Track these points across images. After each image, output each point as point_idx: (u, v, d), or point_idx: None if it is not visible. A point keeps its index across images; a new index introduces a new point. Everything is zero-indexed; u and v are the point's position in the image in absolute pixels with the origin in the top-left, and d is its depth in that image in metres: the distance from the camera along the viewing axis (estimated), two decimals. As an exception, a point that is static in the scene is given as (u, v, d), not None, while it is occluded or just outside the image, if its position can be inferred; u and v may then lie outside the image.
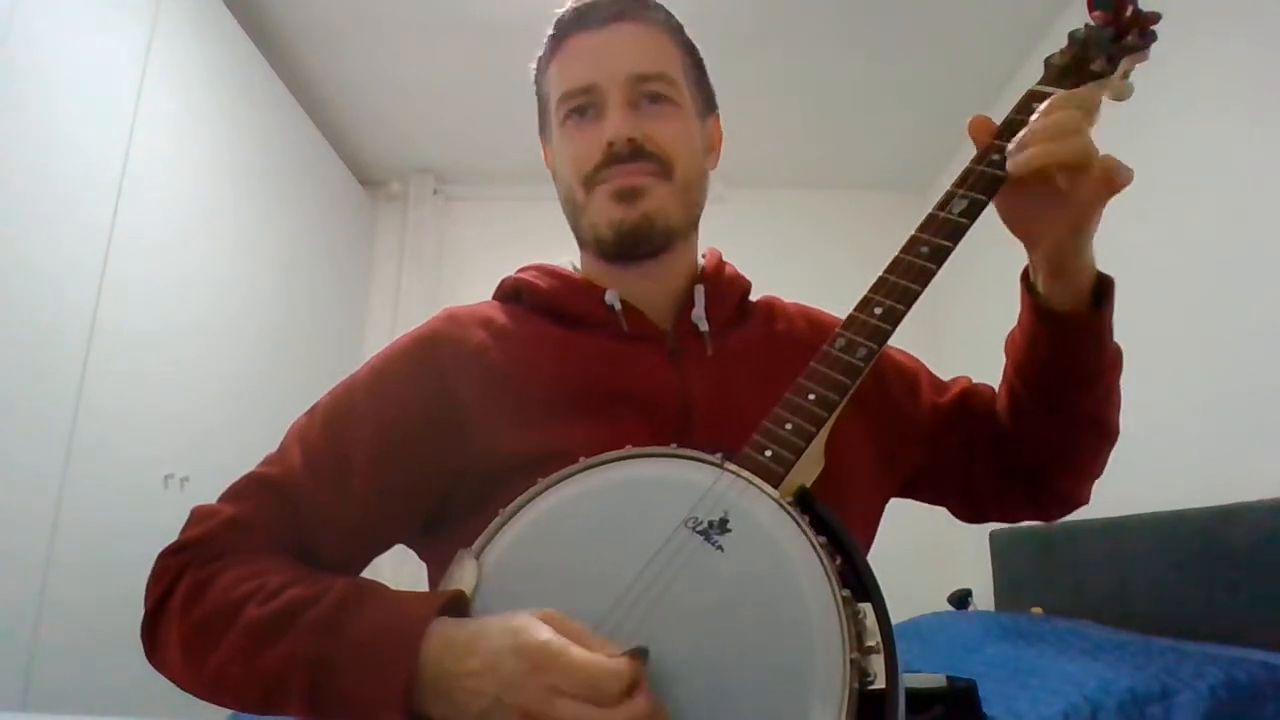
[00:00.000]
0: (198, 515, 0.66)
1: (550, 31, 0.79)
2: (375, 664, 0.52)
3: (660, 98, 0.75)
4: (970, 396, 0.82)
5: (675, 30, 0.80)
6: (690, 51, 0.81)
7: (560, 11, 0.78)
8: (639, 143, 0.72)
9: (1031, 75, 0.70)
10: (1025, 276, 0.72)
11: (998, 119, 0.68)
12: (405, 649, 0.51)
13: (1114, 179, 0.61)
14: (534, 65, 0.82)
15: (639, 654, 0.48)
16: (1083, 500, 0.81)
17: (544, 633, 0.49)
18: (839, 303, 0.81)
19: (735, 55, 2.63)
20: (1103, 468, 0.79)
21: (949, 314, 3.08)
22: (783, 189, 3.54)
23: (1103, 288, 0.69)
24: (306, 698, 0.54)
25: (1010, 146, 0.63)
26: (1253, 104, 1.74)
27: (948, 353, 3.01)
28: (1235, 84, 1.80)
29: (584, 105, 0.75)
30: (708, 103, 0.82)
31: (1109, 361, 0.72)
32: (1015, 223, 0.69)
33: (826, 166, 3.50)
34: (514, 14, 2.52)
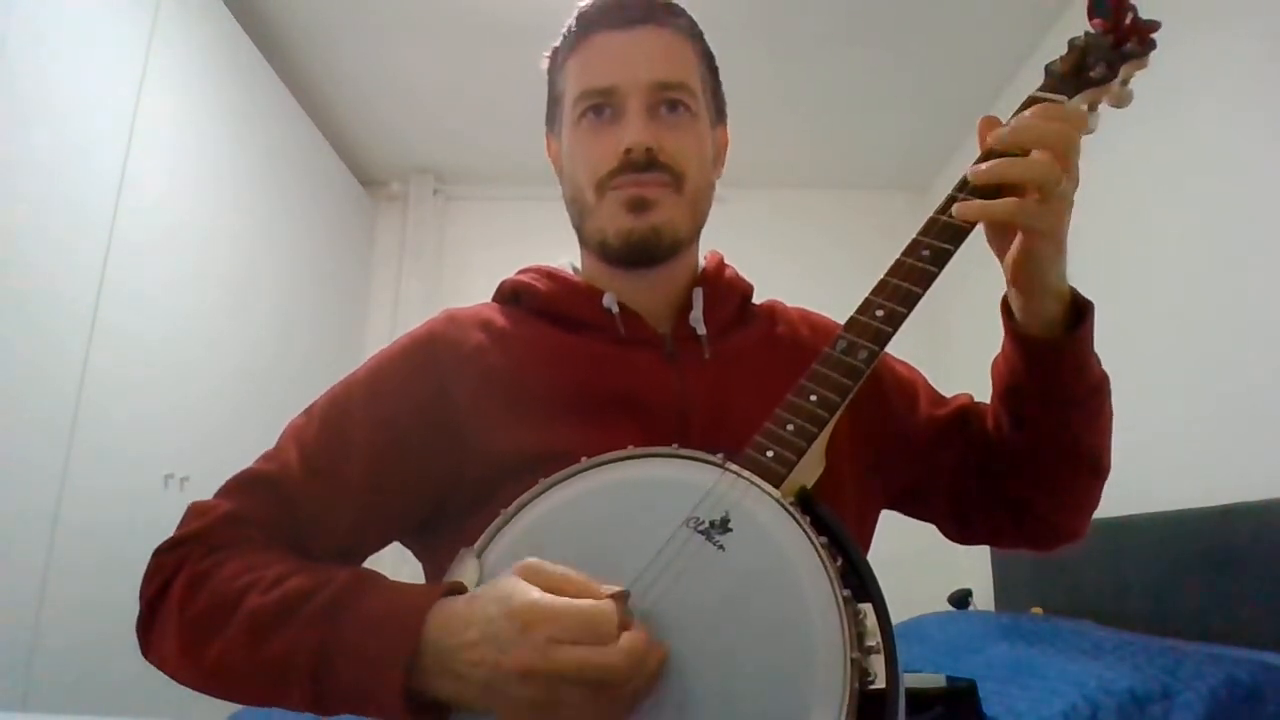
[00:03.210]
0: (194, 511, 0.66)
1: (572, 24, 0.77)
2: (375, 649, 0.52)
3: (678, 106, 0.74)
4: (968, 414, 0.80)
5: (697, 38, 0.79)
6: (708, 59, 0.80)
7: (583, 4, 0.77)
8: (654, 153, 0.72)
9: (1032, 75, 0.70)
10: (1005, 301, 0.71)
11: (1000, 118, 0.68)
12: (406, 632, 0.52)
13: (1013, 220, 0.63)
14: (548, 54, 0.81)
15: (621, 596, 0.50)
16: (1076, 534, 0.78)
17: (532, 592, 0.50)
18: (839, 303, 0.81)
19: (735, 55, 2.62)
20: (1093, 503, 0.77)
21: (950, 319, 3.08)
22: (783, 189, 3.54)
23: (1081, 312, 0.68)
24: (309, 687, 0.54)
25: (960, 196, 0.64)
26: (1255, 102, 1.74)
27: (949, 358, 3.01)
28: (1237, 82, 1.80)
29: (602, 106, 0.74)
30: (719, 112, 0.82)
31: (1090, 387, 0.70)
32: (995, 239, 0.69)
33: (826, 166, 3.50)
34: (515, 14, 2.52)
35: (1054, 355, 0.68)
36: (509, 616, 0.49)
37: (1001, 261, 0.68)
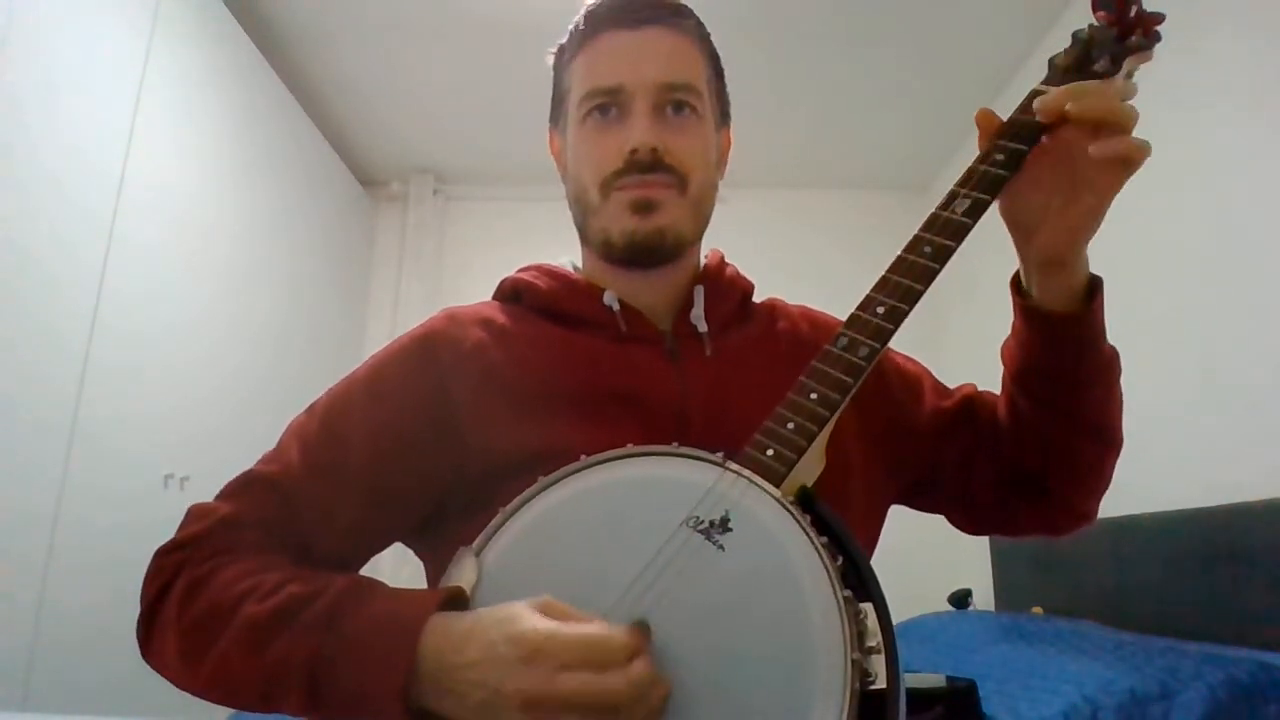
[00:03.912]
0: (194, 513, 0.66)
1: (579, 21, 0.77)
2: (373, 659, 0.52)
3: (684, 108, 0.74)
4: (974, 403, 0.81)
5: (703, 40, 0.79)
6: (714, 61, 0.81)
7: (591, 2, 0.77)
8: (660, 154, 0.72)
9: (1033, 75, 0.70)
10: (1014, 282, 0.72)
11: (1001, 116, 0.68)
12: (403, 643, 0.51)
13: (1134, 155, 0.62)
14: (554, 50, 0.81)
15: (641, 627, 0.49)
16: (1089, 516, 0.79)
17: (536, 620, 0.49)
18: (839, 302, 0.81)
19: (734, 55, 2.62)
20: (1108, 480, 0.77)
21: (951, 316, 3.08)
22: (783, 189, 3.54)
23: (1092, 286, 0.69)
24: (305, 694, 0.54)
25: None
26: (1256, 101, 1.74)
27: (949, 354, 3.01)
28: (1236, 81, 1.80)
29: (608, 105, 0.74)
30: (724, 114, 0.82)
31: (1104, 362, 0.71)
32: (1023, 213, 0.68)
33: (826, 166, 3.50)
34: (514, 15, 2.52)
35: (1074, 330, 0.68)
36: (512, 642, 0.48)
37: (1024, 239, 0.68)
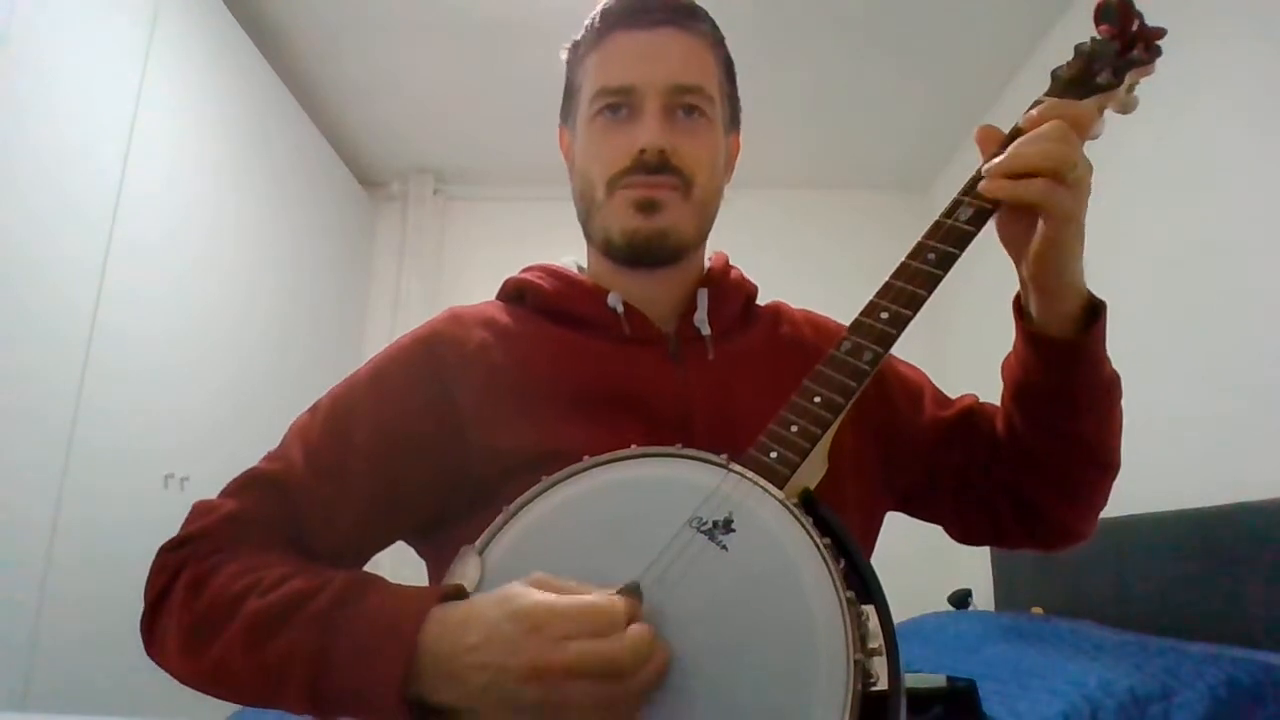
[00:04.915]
0: (198, 510, 0.66)
1: (595, 19, 0.77)
2: (372, 653, 0.52)
3: (695, 111, 0.75)
4: (973, 415, 0.80)
5: (718, 44, 0.79)
6: (727, 66, 0.81)
7: (606, 1, 0.77)
8: (668, 155, 0.72)
9: (1032, 76, 0.71)
10: (1018, 301, 0.71)
11: (998, 120, 0.68)
12: (402, 637, 0.51)
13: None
14: (568, 46, 0.81)
15: (632, 590, 0.50)
16: (1083, 535, 0.78)
17: (534, 594, 0.50)
18: (839, 302, 0.82)
19: (735, 55, 2.63)
20: (1102, 502, 0.77)
21: (953, 323, 3.08)
22: (783, 189, 3.54)
23: (1094, 311, 0.68)
24: (306, 690, 0.54)
25: (984, 168, 0.64)
26: (1256, 102, 1.74)
27: (951, 361, 3.01)
28: (1239, 83, 1.80)
29: (619, 104, 0.74)
30: (733, 119, 0.83)
31: (1103, 387, 0.70)
32: (1009, 233, 0.68)
33: (827, 166, 3.50)
34: (514, 14, 2.51)
35: (1070, 355, 0.68)
36: (514, 619, 0.49)
37: (1016, 261, 0.68)
